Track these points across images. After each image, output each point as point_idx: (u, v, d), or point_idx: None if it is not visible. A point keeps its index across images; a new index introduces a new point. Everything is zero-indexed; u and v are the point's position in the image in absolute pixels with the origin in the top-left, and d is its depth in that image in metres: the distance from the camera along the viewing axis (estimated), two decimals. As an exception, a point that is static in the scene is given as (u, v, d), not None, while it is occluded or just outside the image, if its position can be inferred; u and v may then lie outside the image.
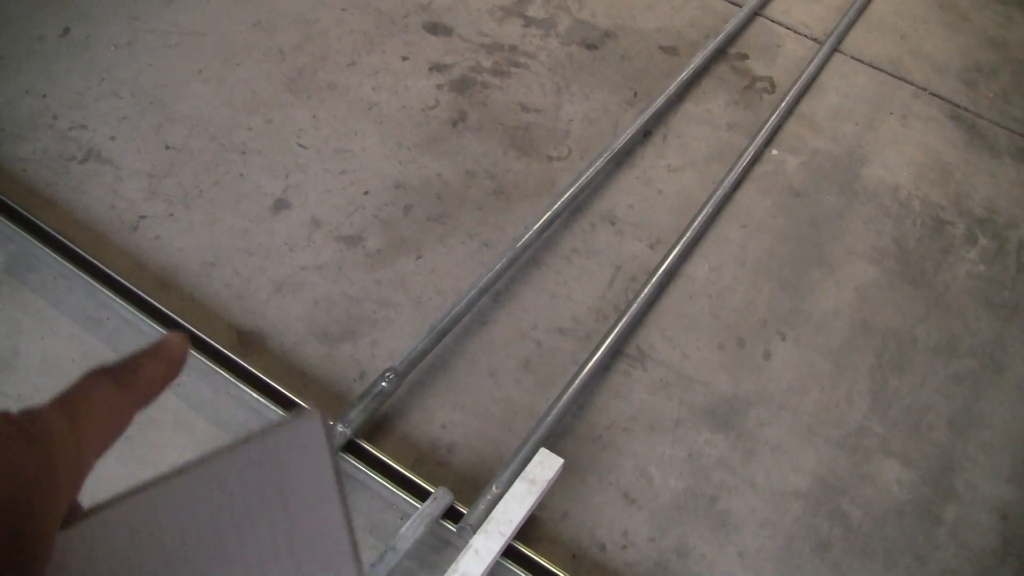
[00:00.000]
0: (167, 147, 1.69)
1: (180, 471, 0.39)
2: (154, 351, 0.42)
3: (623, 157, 1.79)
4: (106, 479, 1.20)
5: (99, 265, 1.44)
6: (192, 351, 1.35)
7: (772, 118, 1.88)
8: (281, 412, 1.31)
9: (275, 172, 1.67)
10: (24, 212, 1.50)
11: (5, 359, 1.38)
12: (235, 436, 0.40)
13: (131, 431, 1.15)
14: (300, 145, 1.72)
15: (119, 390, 0.39)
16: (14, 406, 1.07)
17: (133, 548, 0.39)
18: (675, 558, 1.30)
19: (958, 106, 2.09)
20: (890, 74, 2.14)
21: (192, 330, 1.38)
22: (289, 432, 0.40)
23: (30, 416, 0.35)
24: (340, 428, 1.26)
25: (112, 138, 1.69)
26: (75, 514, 0.38)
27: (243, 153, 1.69)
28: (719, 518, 1.34)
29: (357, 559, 0.46)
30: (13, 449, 0.32)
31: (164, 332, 1.34)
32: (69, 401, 0.37)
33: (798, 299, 1.61)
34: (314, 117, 1.77)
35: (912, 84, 2.12)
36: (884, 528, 1.36)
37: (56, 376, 1.37)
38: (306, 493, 0.42)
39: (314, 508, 0.43)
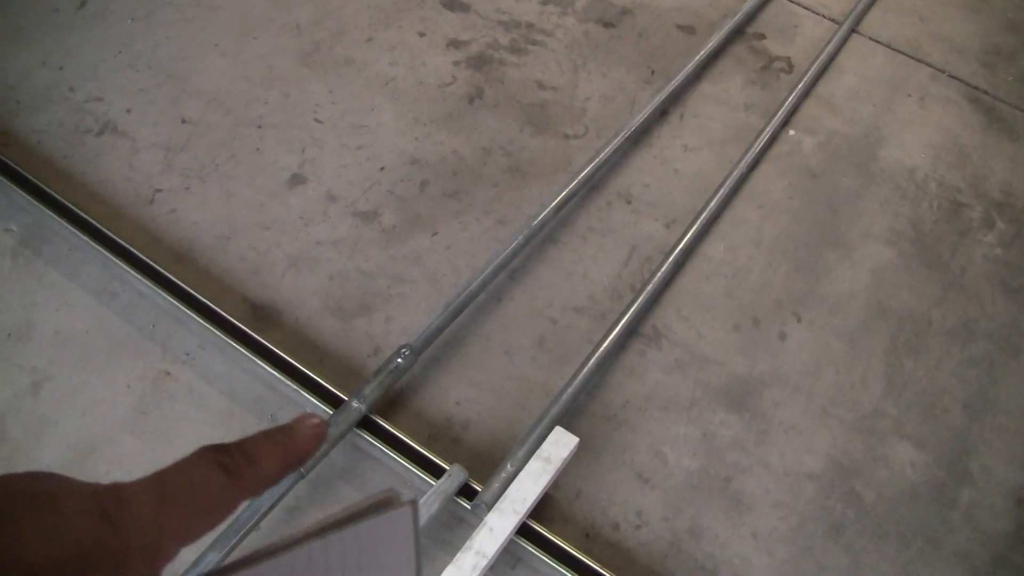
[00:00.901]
0: (183, 120, 1.68)
1: (271, 553, 0.37)
2: (278, 440, 0.39)
3: (640, 136, 1.78)
4: (121, 453, 1.20)
5: (114, 238, 1.44)
6: (207, 325, 1.36)
7: (789, 99, 1.87)
8: (295, 387, 1.31)
9: (291, 147, 1.67)
10: (40, 184, 1.50)
11: (20, 331, 1.39)
12: (326, 516, 0.39)
13: (145, 404, 1.16)
14: (316, 120, 1.71)
15: (225, 478, 0.37)
16: (27, 379, 1.08)
17: None
18: (688, 538, 1.30)
19: (976, 88, 2.07)
20: (908, 56, 2.13)
21: (207, 303, 1.38)
22: (382, 521, 0.39)
23: (115, 494, 0.33)
24: (355, 404, 1.26)
25: (128, 111, 1.68)
26: None
27: (259, 127, 1.69)
28: (733, 498, 1.34)
29: None
30: (88, 527, 0.31)
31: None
32: (164, 482, 0.35)
33: (814, 280, 1.61)
34: (330, 92, 1.76)
35: (930, 66, 2.11)
36: (898, 511, 1.36)
37: (70, 348, 1.37)
38: None
39: None
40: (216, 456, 0.37)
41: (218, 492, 0.36)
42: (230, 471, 0.37)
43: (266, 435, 0.39)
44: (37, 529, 0.30)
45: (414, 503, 0.41)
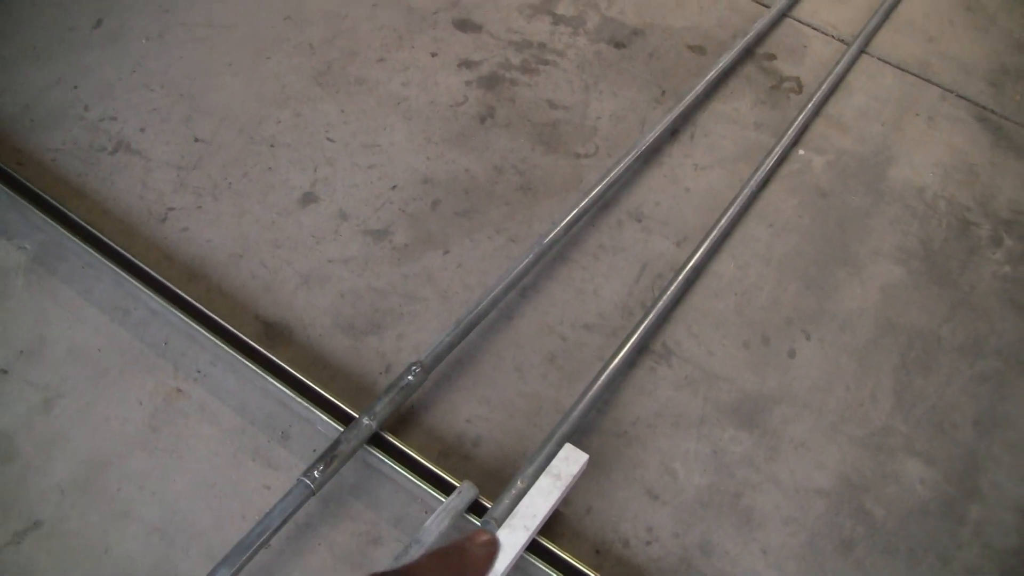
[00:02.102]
0: (196, 139, 1.70)
1: None
2: (453, 560, 0.36)
3: (651, 155, 1.79)
4: (133, 470, 1.21)
5: (127, 255, 1.45)
6: (218, 342, 1.36)
7: (799, 118, 1.88)
8: (306, 404, 1.31)
9: (303, 165, 1.68)
10: (53, 202, 1.51)
11: (32, 348, 1.40)
12: None
13: (157, 421, 1.16)
14: (328, 139, 1.72)
15: None
16: (39, 396, 1.09)
17: None
18: (699, 554, 1.30)
19: (985, 108, 2.08)
20: (917, 76, 2.13)
21: (219, 320, 1.39)
22: None
23: None
24: (366, 421, 1.26)
25: (142, 130, 1.70)
26: None
27: (272, 146, 1.70)
28: (743, 515, 1.34)
29: None
30: None
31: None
32: None
33: (823, 298, 1.61)
34: (343, 111, 1.78)
35: (939, 86, 2.11)
36: (907, 527, 1.36)
37: (82, 365, 1.38)
38: None
39: None
40: None
41: None
42: None
43: (437, 558, 0.37)
44: None
45: None
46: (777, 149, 1.81)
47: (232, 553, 1.14)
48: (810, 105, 1.91)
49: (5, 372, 1.37)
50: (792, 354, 1.53)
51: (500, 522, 1.18)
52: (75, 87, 1.74)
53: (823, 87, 1.97)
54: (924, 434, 1.46)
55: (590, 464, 1.28)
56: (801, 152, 1.86)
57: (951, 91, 2.11)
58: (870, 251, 1.70)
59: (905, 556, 1.33)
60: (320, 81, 1.82)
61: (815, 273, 1.65)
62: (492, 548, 0.39)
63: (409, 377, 1.31)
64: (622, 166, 1.68)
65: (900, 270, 1.68)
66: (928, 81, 2.12)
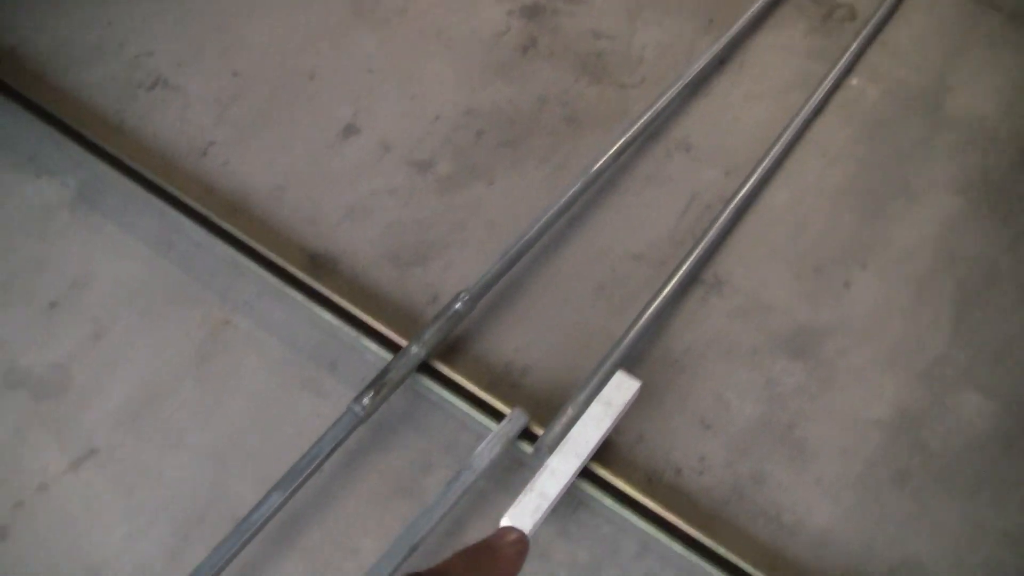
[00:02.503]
0: (234, 73, 1.68)
1: None
2: (484, 558, 0.34)
3: (698, 84, 1.74)
4: (184, 399, 1.21)
5: (169, 189, 1.44)
6: (264, 273, 1.35)
7: (853, 45, 1.82)
8: (354, 333, 1.30)
9: (344, 97, 1.65)
10: (93, 138, 1.50)
11: (81, 281, 1.39)
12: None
13: (205, 352, 1.17)
14: (369, 70, 1.70)
15: None
16: (89, 328, 1.09)
17: None
18: (751, 484, 1.28)
19: (1045, 36, 2.01)
20: (977, 1, 2.07)
21: (264, 252, 1.38)
22: None
23: None
24: (415, 349, 1.25)
25: (179, 65, 1.68)
26: None
27: (311, 78, 1.68)
28: (796, 445, 1.32)
29: None
30: None
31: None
32: None
33: (879, 228, 1.57)
34: (383, 42, 1.74)
35: (1000, 11, 2.04)
36: (965, 459, 1.33)
37: (130, 298, 1.38)
38: None
39: None
40: None
41: None
42: None
43: (468, 557, 0.35)
44: None
45: None
46: (830, 77, 1.75)
47: (285, 478, 1.14)
48: (865, 32, 1.85)
49: (55, 306, 1.37)
50: (847, 285, 1.49)
51: (551, 449, 1.16)
52: (109, 23, 1.72)
53: (878, 14, 1.91)
54: (983, 367, 1.43)
55: (641, 393, 1.25)
56: (855, 81, 1.81)
57: (1014, 17, 2.04)
58: (928, 181, 1.65)
59: (963, 488, 1.30)
60: (359, 11, 1.79)
61: (871, 203, 1.60)
62: (522, 546, 0.37)
63: (457, 305, 1.30)
64: (669, 95, 1.64)
65: (959, 200, 1.63)
66: (989, 6, 2.05)
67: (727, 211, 1.50)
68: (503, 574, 0.34)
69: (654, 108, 1.61)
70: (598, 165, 1.50)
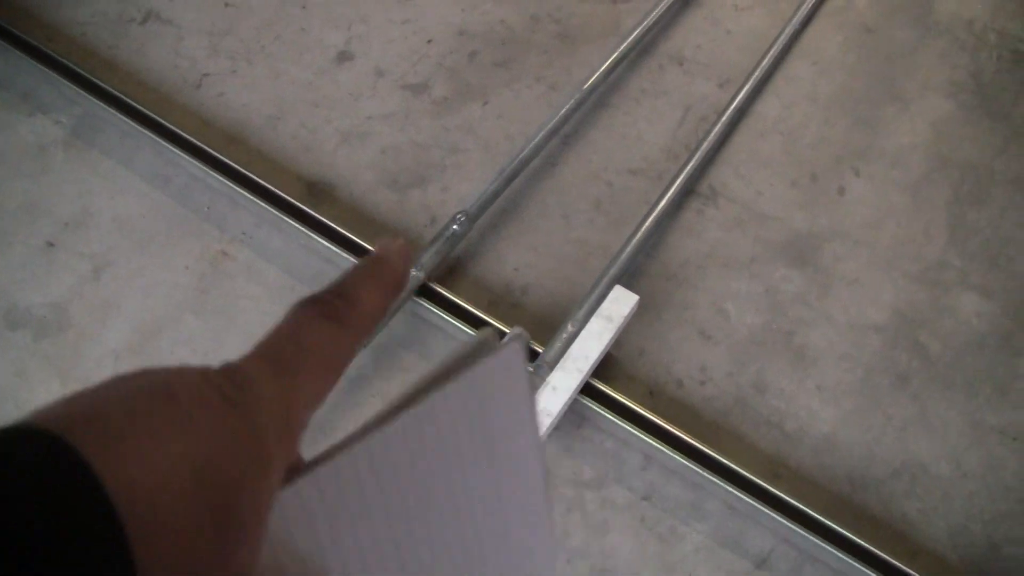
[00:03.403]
0: (226, 4, 1.67)
1: (392, 414, 0.35)
2: (370, 271, 0.36)
3: (689, -3, 1.73)
4: (185, 332, 1.22)
5: (165, 123, 1.44)
6: (261, 203, 1.36)
7: (843, -49, 1.81)
8: (353, 259, 1.31)
9: (336, 24, 1.65)
10: (87, 75, 1.49)
11: (77, 219, 1.40)
12: (428, 373, 0.35)
13: (205, 284, 1.17)
14: (359, -4, 1.69)
15: (334, 328, 0.33)
16: (88, 265, 1.09)
17: (355, 501, 0.35)
18: (753, 392, 1.29)
19: (1038, -66, 1.99)
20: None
21: (261, 182, 1.38)
22: (494, 361, 0.37)
23: (230, 375, 0.29)
24: (413, 271, 1.26)
25: (170, -2, 1.67)
26: (295, 470, 0.33)
27: (303, 7, 1.67)
28: (797, 352, 1.33)
29: (547, 485, 0.44)
30: (213, 419, 0.27)
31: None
32: (275, 351, 0.32)
33: (872, 134, 1.57)
34: (372, -33, 1.73)
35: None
36: (964, 360, 1.34)
37: (128, 233, 1.38)
38: (508, 422, 0.40)
39: (514, 438, 0.41)
40: (316, 310, 0.34)
41: (332, 347, 0.33)
42: (336, 320, 0.34)
43: (357, 271, 0.36)
44: (167, 427, 0.27)
45: (521, 336, 0.39)
46: (821, -15, 1.75)
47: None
48: (854, -63, 1.84)
49: (52, 245, 1.37)
50: (842, 191, 1.50)
51: (552, 366, 1.18)
52: (99, -43, 1.71)
53: (867, -82, 1.89)
54: (979, 268, 1.44)
55: (640, 307, 1.27)
56: (846, -13, 1.80)
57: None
58: (919, 86, 1.65)
59: (962, 388, 1.32)
60: (347, -63, 1.78)
61: (863, 110, 1.60)
62: (405, 249, 0.38)
63: (454, 227, 1.30)
64: (660, 8, 1.64)
65: (951, 104, 1.63)
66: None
67: (720, 123, 1.51)
68: (393, 275, 0.36)
69: (645, 22, 1.61)
70: (591, 81, 1.50)
